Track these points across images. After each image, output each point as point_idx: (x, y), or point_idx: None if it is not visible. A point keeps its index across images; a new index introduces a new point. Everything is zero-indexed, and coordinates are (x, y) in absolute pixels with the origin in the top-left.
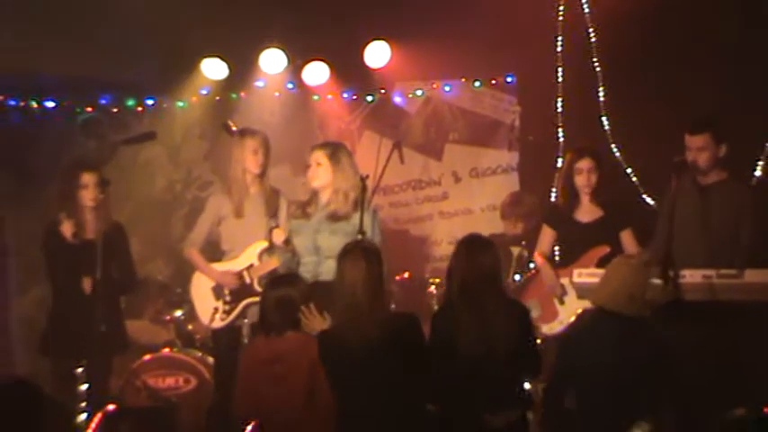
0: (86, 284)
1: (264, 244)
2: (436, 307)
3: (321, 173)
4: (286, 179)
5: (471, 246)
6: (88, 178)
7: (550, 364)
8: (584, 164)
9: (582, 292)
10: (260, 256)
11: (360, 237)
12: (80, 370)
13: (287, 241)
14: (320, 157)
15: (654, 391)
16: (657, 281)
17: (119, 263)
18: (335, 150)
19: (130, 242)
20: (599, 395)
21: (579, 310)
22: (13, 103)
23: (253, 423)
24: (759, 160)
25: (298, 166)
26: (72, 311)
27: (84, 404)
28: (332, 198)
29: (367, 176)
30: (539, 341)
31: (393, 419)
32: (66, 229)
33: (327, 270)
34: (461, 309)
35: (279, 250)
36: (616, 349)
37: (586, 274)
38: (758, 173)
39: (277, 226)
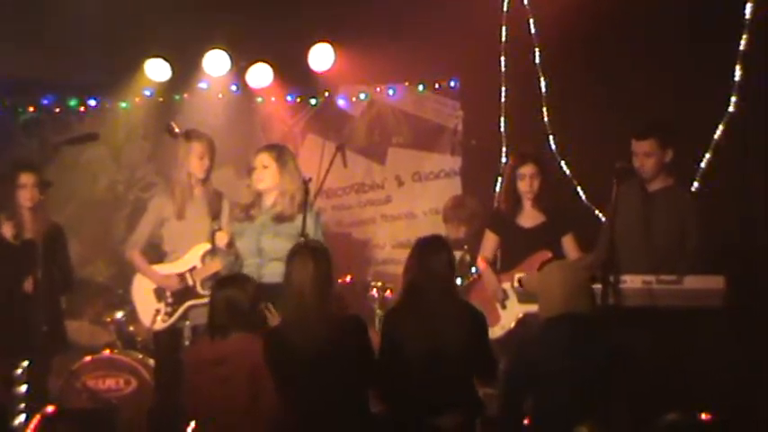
0: (27, 284)
1: (207, 246)
2: (378, 310)
3: (267, 175)
4: (229, 181)
5: (424, 247)
6: (26, 178)
7: (501, 372)
8: (527, 169)
9: (523, 296)
10: (202, 258)
11: (302, 239)
12: (19, 371)
13: (230, 244)
14: (266, 159)
15: (606, 393)
16: (597, 286)
17: (57, 263)
18: (281, 153)
19: (71, 243)
20: (556, 401)
21: (521, 315)
22: None
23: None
24: (699, 167)
25: (241, 168)
26: (12, 311)
27: (22, 405)
28: (278, 200)
29: (310, 179)
30: None
31: (340, 420)
32: (6, 230)
33: (271, 272)
34: (410, 311)
35: (222, 253)
36: (570, 352)
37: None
38: (696, 184)
39: (220, 229)
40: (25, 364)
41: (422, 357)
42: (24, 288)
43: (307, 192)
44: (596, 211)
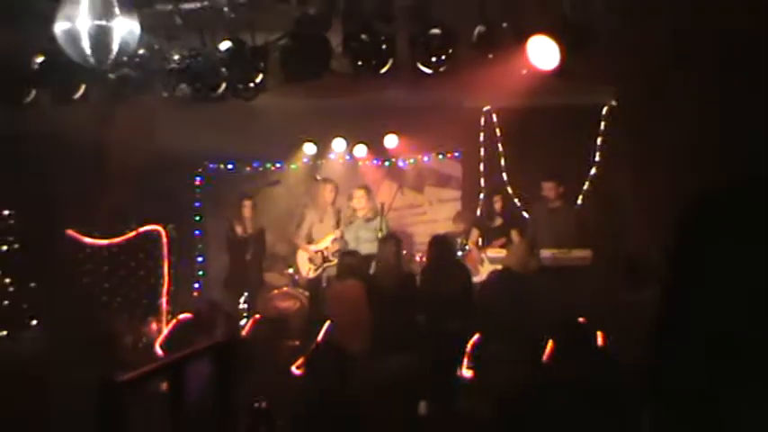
0: (248, 255)
1: (332, 236)
2: (419, 269)
3: (363, 201)
4: (343, 203)
5: (436, 240)
6: (246, 202)
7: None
8: (497, 197)
9: (491, 261)
10: (331, 242)
11: (380, 234)
12: (242, 298)
13: (342, 235)
14: (360, 192)
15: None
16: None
17: (261, 246)
18: (368, 189)
19: (268, 235)
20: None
21: (490, 269)
22: (212, 165)
23: (328, 323)
24: (579, 196)
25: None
26: (240, 269)
27: (244, 315)
28: (367, 213)
29: (383, 203)
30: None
31: (401, 325)
32: (238, 229)
33: (363, 249)
34: (434, 269)
35: (339, 240)
36: (517, 291)
37: (494, 252)
38: (579, 201)
39: (338, 227)
40: (245, 294)
41: (440, 291)
42: (246, 257)
43: (382, 209)
44: (526, 216)
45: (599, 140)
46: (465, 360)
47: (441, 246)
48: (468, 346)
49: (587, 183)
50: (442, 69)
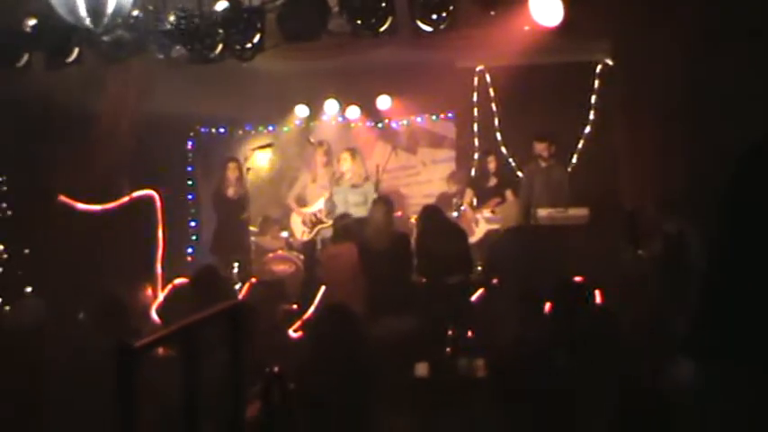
0: (242, 216)
1: (325, 198)
2: (414, 230)
3: (348, 163)
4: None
5: (426, 211)
6: (233, 165)
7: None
8: (491, 158)
9: (487, 221)
10: (324, 203)
11: (372, 196)
12: (236, 264)
13: (330, 197)
14: (347, 155)
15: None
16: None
17: (249, 207)
18: (354, 152)
19: (259, 198)
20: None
21: (486, 229)
22: (203, 129)
23: (323, 288)
24: (572, 156)
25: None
26: (229, 231)
27: (238, 279)
28: (353, 177)
29: (378, 165)
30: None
31: (396, 284)
32: (229, 192)
33: (352, 212)
34: (428, 235)
35: (329, 203)
36: (521, 244)
37: (488, 212)
38: (574, 160)
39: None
40: (237, 262)
41: (437, 250)
42: (242, 218)
43: (377, 171)
44: (520, 175)
45: (593, 99)
46: (464, 319)
47: (431, 215)
48: (468, 305)
49: (581, 141)
50: (442, 27)
